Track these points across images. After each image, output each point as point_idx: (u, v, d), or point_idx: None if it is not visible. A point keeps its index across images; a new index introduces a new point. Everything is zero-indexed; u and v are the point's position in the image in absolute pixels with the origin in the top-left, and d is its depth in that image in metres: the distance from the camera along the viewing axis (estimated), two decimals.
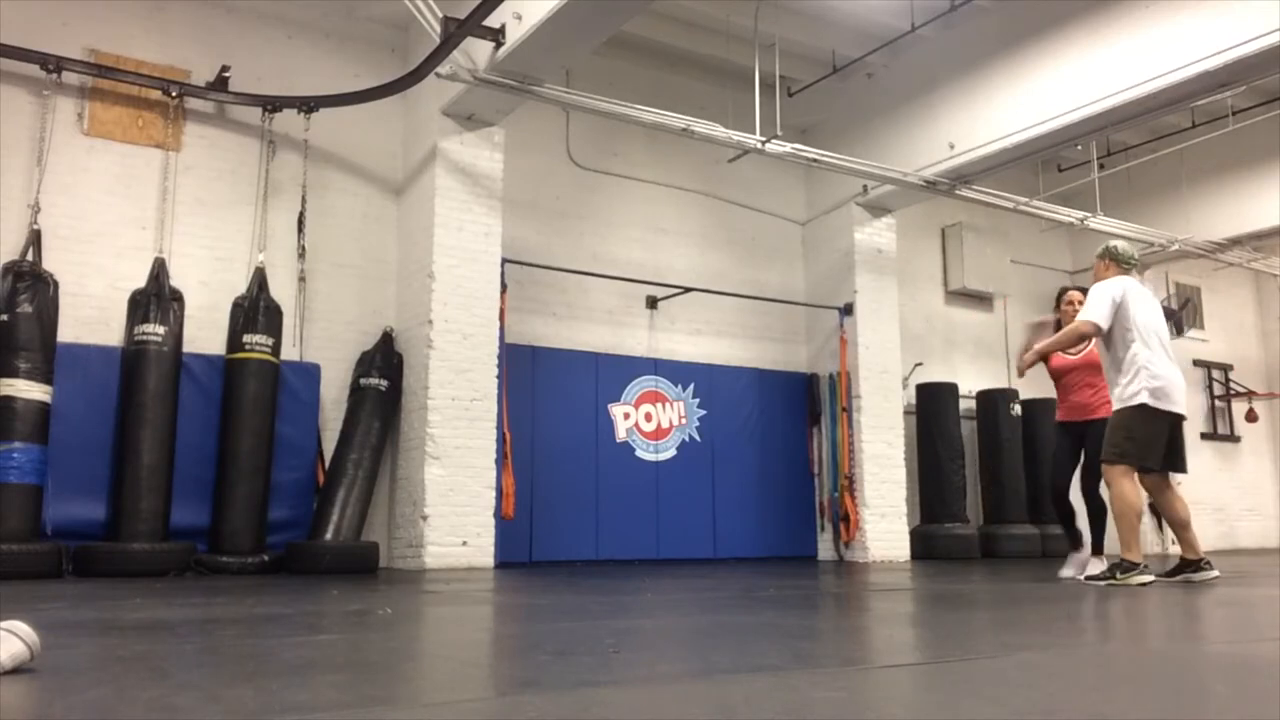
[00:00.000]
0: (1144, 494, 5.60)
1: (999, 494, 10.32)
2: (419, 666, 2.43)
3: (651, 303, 9.12)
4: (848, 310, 9.53)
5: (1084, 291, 5.87)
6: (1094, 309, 5.41)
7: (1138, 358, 5.28)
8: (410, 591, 5.03)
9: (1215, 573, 5.45)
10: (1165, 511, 5.69)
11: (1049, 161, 10.91)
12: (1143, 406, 5.24)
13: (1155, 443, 5.29)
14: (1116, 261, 5.64)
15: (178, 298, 6.62)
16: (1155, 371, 5.26)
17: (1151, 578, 5.27)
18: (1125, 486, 5.28)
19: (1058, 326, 6.03)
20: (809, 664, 2.32)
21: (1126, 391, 5.31)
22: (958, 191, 9.07)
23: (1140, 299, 5.47)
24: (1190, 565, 5.49)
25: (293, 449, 6.97)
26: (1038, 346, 5.83)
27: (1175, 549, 11.45)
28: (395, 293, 7.85)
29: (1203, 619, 3.82)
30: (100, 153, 6.97)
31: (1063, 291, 6.37)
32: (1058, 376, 6.20)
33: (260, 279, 6.97)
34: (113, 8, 7.17)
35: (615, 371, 8.73)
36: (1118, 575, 5.28)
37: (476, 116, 7.49)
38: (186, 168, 7.25)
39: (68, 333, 6.39)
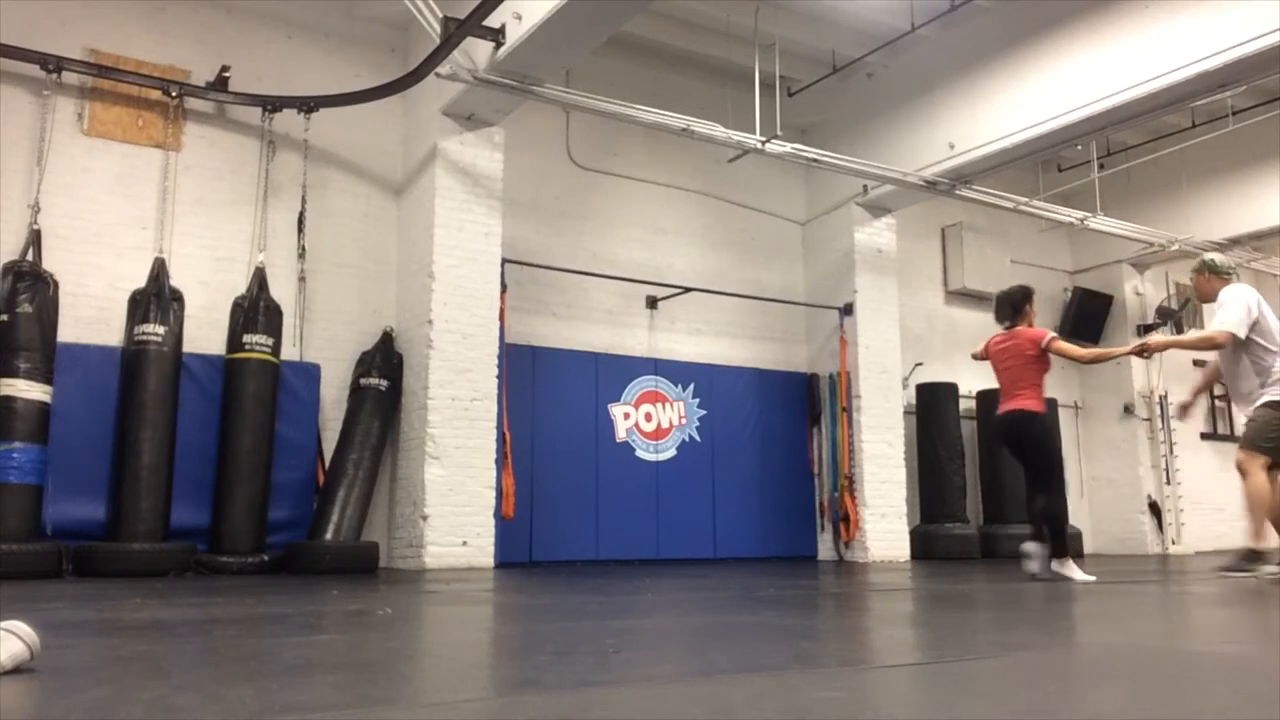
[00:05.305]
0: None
1: (999, 494, 10.29)
2: (419, 666, 2.43)
3: (651, 303, 9.11)
4: (848, 310, 9.53)
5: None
6: (1232, 318, 5.49)
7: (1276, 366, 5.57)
8: (410, 591, 5.02)
9: None
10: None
11: (1049, 161, 10.90)
12: None
13: None
14: (1217, 274, 5.79)
15: (178, 298, 6.62)
16: None
17: (1277, 569, 5.39)
18: (1264, 477, 5.49)
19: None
20: (809, 664, 2.32)
21: (1271, 387, 5.52)
22: (958, 191, 9.07)
23: (1267, 306, 5.67)
24: None
25: (293, 449, 6.97)
26: (1165, 341, 5.66)
27: (1175, 549, 11.50)
28: (395, 293, 7.85)
29: (1204, 619, 3.82)
30: (100, 153, 6.97)
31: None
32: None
33: (260, 279, 6.98)
34: (113, 8, 7.17)
35: (615, 371, 8.72)
36: (1260, 569, 5.39)
37: (476, 116, 7.49)
38: (186, 168, 7.25)
39: (68, 333, 6.39)
